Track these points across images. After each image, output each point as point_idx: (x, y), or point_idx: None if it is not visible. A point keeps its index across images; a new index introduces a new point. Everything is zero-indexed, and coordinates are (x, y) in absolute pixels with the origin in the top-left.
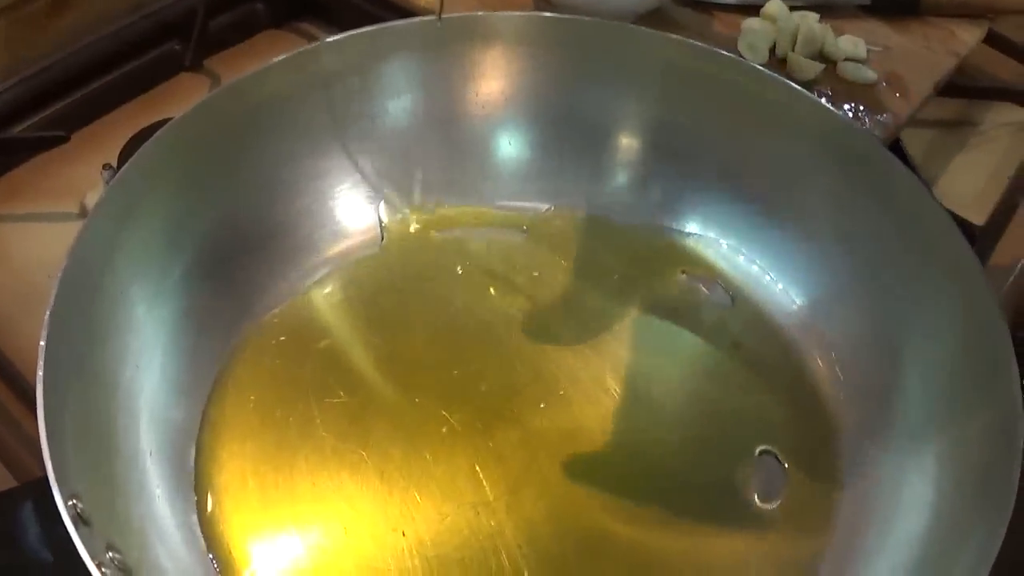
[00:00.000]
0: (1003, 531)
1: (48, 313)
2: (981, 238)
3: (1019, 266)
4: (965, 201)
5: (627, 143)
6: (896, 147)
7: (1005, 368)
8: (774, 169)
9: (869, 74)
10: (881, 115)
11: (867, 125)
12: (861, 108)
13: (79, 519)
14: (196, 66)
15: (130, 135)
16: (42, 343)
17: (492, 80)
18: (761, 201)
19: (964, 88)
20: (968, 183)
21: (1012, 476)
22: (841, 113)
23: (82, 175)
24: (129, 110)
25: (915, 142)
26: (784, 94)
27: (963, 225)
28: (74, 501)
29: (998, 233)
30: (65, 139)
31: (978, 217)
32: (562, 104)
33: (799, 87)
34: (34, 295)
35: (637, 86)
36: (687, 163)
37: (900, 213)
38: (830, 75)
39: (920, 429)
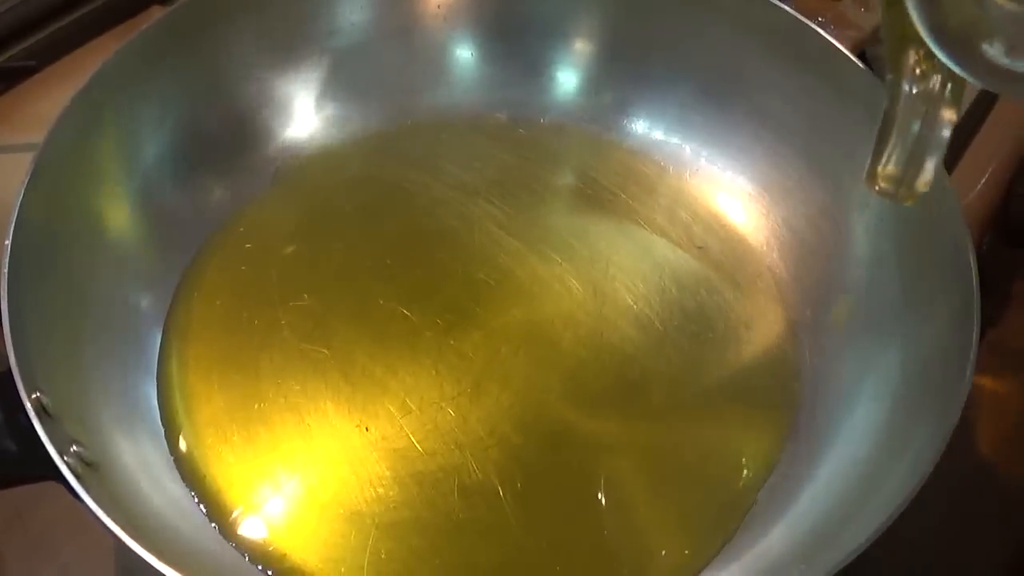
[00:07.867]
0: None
1: (14, 215)
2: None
3: (984, 178)
4: None
5: (582, 47)
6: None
7: (962, 248)
8: (726, 69)
9: None
10: (845, 29)
11: None
12: (820, 20)
13: (43, 411)
14: (167, 0)
15: None
16: (7, 242)
17: None
18: (713, 100)
19: None
20: None
21: (968, 357)
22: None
23: (54, 107)
24: (101, 43)
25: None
26: None
27: None
28: (38, 395)
29: (964, 143)
30: (35, 69)
31: None
32: (520, 11)
33: None
34: (7, 224)
35: None
36: (641, 66)
37: (851, 105)
38: None
39: (878, 318)
